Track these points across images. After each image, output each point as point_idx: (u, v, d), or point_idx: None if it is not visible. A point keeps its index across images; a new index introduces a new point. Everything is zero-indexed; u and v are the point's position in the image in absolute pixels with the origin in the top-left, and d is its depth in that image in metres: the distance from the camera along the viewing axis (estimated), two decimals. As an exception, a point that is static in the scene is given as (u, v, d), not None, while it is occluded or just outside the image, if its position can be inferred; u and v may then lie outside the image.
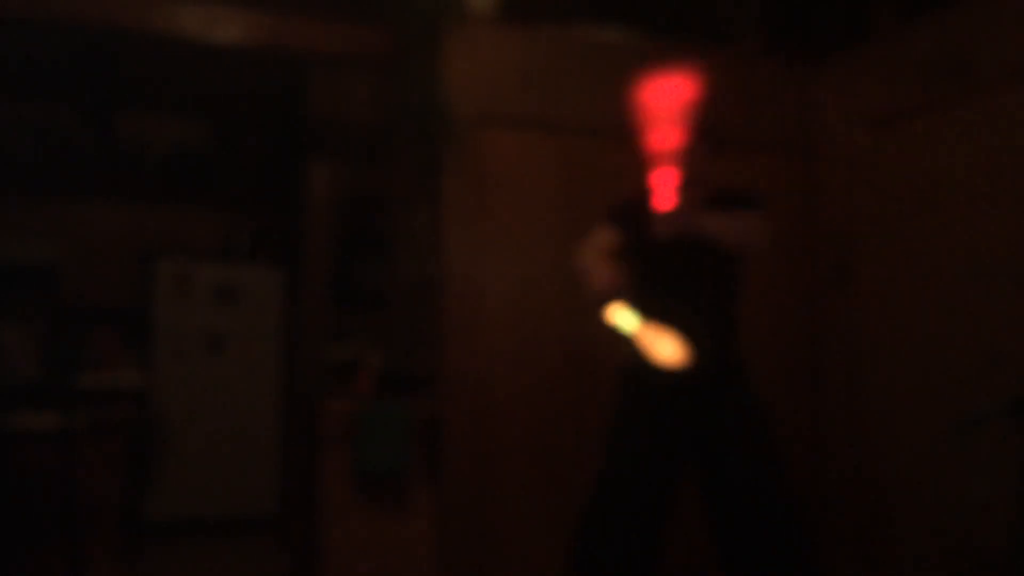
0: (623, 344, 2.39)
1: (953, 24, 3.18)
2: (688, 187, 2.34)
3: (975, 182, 3.08)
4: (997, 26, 3.01)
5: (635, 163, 2.39)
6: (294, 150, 4.93)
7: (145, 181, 5.23)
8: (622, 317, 2.28)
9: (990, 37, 3.03)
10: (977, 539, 2.99)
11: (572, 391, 3.38)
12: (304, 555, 3.49)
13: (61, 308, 4.95)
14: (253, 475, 5.07)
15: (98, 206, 5.32)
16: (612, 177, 3.48)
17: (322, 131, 4.06)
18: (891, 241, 3.45)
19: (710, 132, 2.50)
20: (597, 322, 2.33)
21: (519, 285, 3.33)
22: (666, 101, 2.22)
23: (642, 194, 2.39)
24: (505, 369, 3.28)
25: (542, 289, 3.38)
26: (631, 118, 2.25)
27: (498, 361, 3.28)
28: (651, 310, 2.34)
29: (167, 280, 4.98)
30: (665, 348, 2.32)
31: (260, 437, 5.11)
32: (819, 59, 3.83)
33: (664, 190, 2.23)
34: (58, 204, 5.21)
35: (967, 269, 3.09)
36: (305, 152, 4.27)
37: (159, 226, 5.43)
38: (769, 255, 3.68)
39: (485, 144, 3.32)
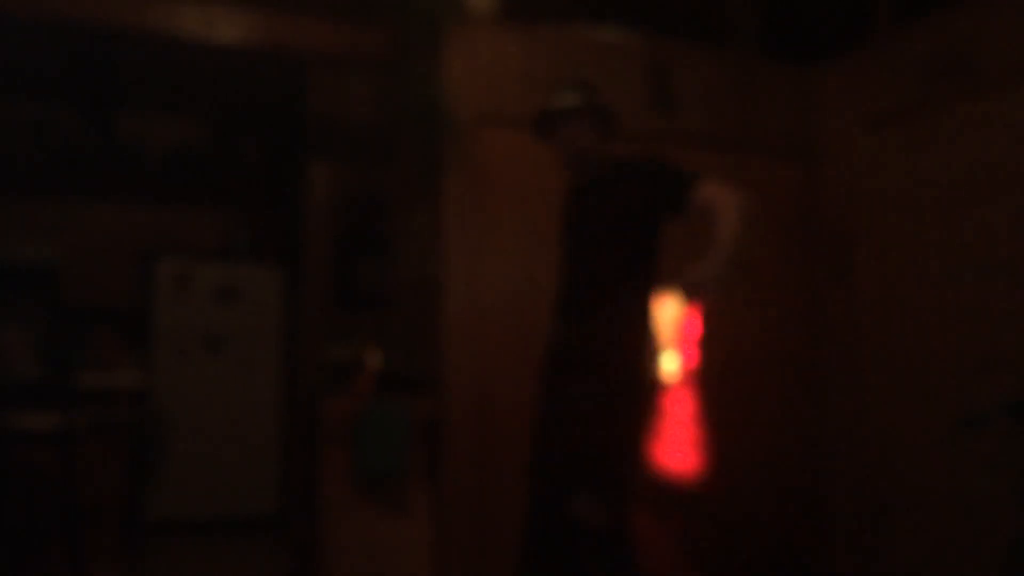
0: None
1: (953, 24, 3.18)
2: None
3: (975, 182, 3.08)
4: (997, 26, 3.01)
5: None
6: (294, 150, 4.93)
7: (145, 181, 5.23)
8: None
9: (990, 37, 3.03)
10: (977, 539, 2.99)
11: (572, 391, 3.37)
12: (304, 555, 3.49)
13: (61, 308, 4.95)
14: (253, 475, 5.07)
15: (98, 206, 5.32)
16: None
17: (322, 131, 4.06)
18: (891, 241, 3.45)
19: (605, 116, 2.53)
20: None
21: (519, 285, 3.33)
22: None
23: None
24: (505, 369, 3.28)
25: (542, 289, 3.37)
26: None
27: (498, 361, 3.27)
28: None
29: (167, 280, 4.98)
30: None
31: (260, 437, 5.11)
32: (819, 60, 3.83)
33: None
34: (58, 204, 5.21)
35: (967, 269, 3.09)
36: (305, 152, 4.27)
37: (159, 226, 5.42)
38: (769, 255, 3.69)
39: (485, 144, 3.32)
